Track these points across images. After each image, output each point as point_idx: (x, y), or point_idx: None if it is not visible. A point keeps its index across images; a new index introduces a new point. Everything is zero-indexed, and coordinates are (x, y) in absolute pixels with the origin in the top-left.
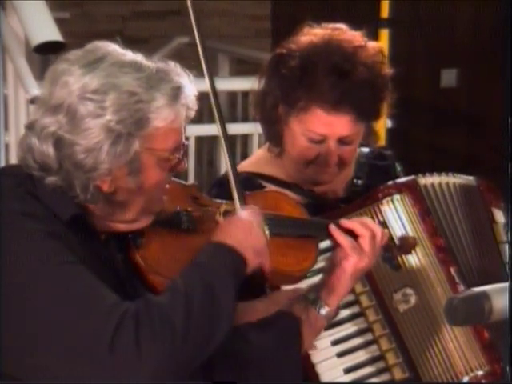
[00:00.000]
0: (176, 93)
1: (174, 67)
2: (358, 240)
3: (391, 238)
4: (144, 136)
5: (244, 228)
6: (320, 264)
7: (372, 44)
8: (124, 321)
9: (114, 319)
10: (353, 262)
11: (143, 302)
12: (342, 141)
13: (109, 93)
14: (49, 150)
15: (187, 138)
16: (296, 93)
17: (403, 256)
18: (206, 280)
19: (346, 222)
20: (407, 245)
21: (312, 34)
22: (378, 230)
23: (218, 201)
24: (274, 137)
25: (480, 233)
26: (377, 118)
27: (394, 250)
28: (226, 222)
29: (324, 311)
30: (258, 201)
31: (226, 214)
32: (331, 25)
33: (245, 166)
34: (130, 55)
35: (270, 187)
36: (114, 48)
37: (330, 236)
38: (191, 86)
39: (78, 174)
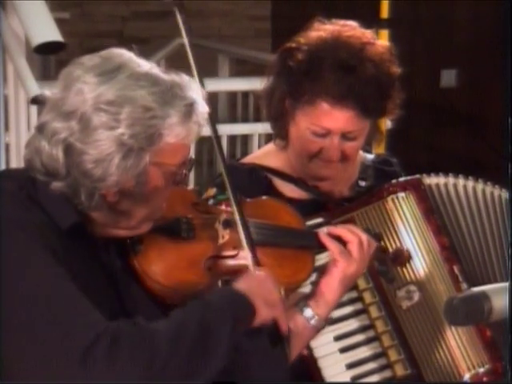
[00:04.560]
0: (189, 110)
1: (187, 81)
2: (346, 246)
3: (385, 251)
4: (154, 150)
5: (258, 279)
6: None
7: (381, 42)
8: (101, 337)
9: (91, 334)
10: (341, 268)
11: (129, 323)
12: (345, 136)
13: (124, 106)
14: (58, 155)
15: (198, 148)
16: (302, 86)
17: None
18: (206, 317)
19: (333, 229)
20: (401, 257)
21: (322, 29)
22: (364, 236)
23: (218, 207)
24: (280, 130)
25: (494, 236)
26: (382, 116)
27: (388, 262)
28: (242, 276)
29: (313, 320)
30: (256, 209)
31: (226, 222)
32: (342, 21)
33: (252, 158)
34: (145, 66)
35: (275, 180)
36: (129, 57)
37: (319, 244)
38: (203, 102)
39: (84, 182)
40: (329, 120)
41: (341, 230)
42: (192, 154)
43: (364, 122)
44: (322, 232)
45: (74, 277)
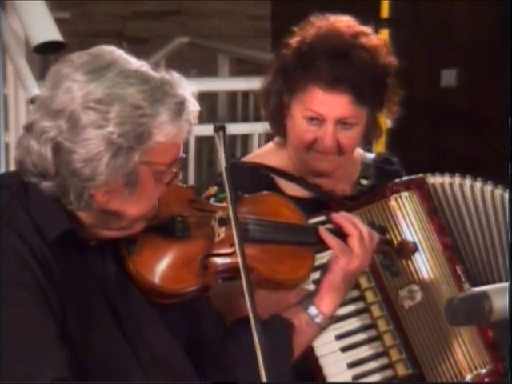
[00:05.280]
0: (179, 108)
1: (178, 79)
2: (346, 240)
3: (390, 243)
4: (144, 149)
5: None
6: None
7: (377, 36)
8: None
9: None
10: (342, 264)
11: None
12: (340, 123)
13: (113, 104)
14: (47, 154)
15: (186, 151)
16: (295, 74)
17: (403, 260)
18: None
19: (336, 216)
20: (406, 250)
21: (317, 22)
22: (365, 230)
23: (215, 204)
24: (278, 127)
25: (502, 239)
26: (378, 107)
27: (392, 255)
28: None
29: (317, 318)
30: (255, 204)
31: (221, 220)
32: (337, 16)
33: (253, 157)
34: (135, 64)
35: (277, 179)
36: (119, 54)
37: (319, 239)
38: (194, 101)
39: (73, 181)
40: (322, 105)
41: (343, 220)
42: (182, 153)
43: (359, 110)
44: (322, 228)
45: (59, 295)
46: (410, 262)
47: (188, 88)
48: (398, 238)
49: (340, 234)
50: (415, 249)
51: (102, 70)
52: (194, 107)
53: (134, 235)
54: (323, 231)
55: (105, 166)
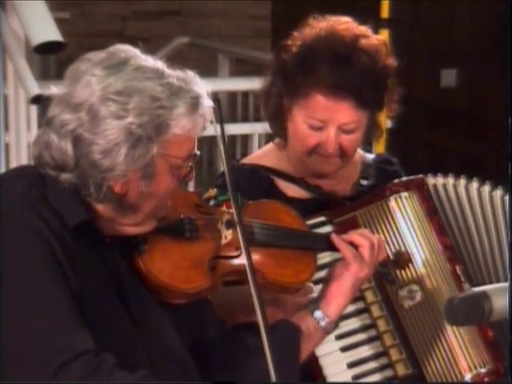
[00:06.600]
0: (195, 102)
1: (192, 77)
2: (358, 249)
3: (387, 255)
4: (161, 141)
5: None
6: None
7: (376, 36)
8: (80, 358)
9: (68, 354)
10: (354, 271)
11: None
12: (342, 128)
13: (132, 96)
14: (67, 147)
15: (198, 148)
16: (296, 79)
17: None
18: None
19: (344, 236)
20: (402, 260)
21: (316, 25)
22: (375, 239)
23: (221, 209)
24: (279, 129)
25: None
26: (379, 109)
27: (389, 264)
28: None
29: (323, 322)
30: (259, 211)
31: (228, 223)
32: (336, 17)
33: (252, 158)
34: (151, 61)
35: (277, 180)
36: (135, 52)
37: (331, 246)
38: (208, 98)
39: (93, 173)
40: (324, 112)
41: (351, 236)
42: (196, 150)
43: (361, 114)
44: (335, 235)
45: (78, 278)
46: (408, 266)
47: (202, 86)
48: (398, 238)
49: (351, 243)
50: (410, 259)
51: (120, 65)
52: (207, 103)
53: (144, 235)
54: (336, 238)
55: (124, 156)
